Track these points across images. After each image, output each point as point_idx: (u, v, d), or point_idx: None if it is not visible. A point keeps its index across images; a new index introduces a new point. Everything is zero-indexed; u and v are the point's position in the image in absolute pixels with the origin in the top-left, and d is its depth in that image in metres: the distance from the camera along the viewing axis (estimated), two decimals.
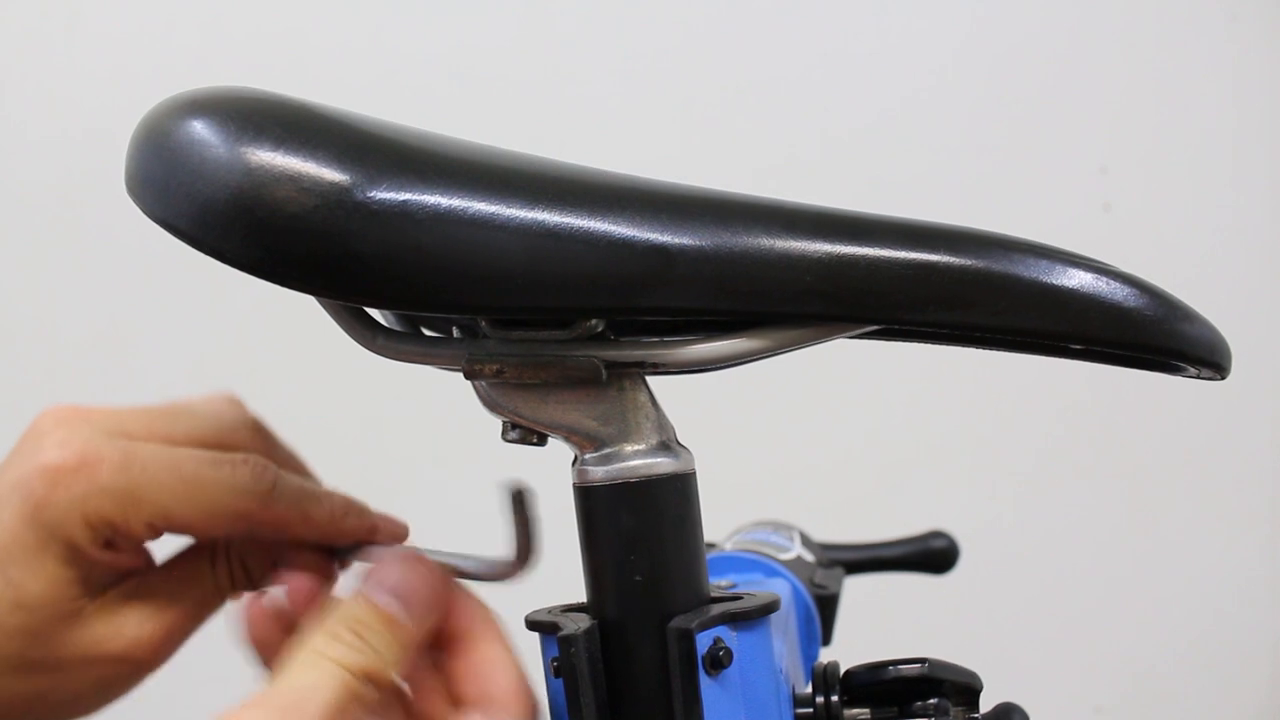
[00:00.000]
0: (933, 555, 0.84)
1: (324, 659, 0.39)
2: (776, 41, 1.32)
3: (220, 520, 0.43)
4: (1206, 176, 1.37)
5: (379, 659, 0.40)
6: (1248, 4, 1.37)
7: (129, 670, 0.44)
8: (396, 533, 0.48)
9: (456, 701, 0.43)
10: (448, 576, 0.44)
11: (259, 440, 0.47)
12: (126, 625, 0.44)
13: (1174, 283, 0.42)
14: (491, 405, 0.43)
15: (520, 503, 0.44)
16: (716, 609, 0.42)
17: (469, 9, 1.30)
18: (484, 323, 0.42)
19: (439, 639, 0.43)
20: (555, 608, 0.45)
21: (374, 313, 0.44)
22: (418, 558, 0.43)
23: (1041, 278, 0.39)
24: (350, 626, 0.40)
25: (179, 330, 1.20)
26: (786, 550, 0.72)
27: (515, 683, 0.43)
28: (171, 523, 0.43)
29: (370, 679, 0.39)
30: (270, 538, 0.46)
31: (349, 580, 0.47)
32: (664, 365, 0.42)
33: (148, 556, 0.46)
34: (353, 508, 0.47)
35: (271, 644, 0.43)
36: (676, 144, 1.28)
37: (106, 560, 0.43)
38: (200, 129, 0.37)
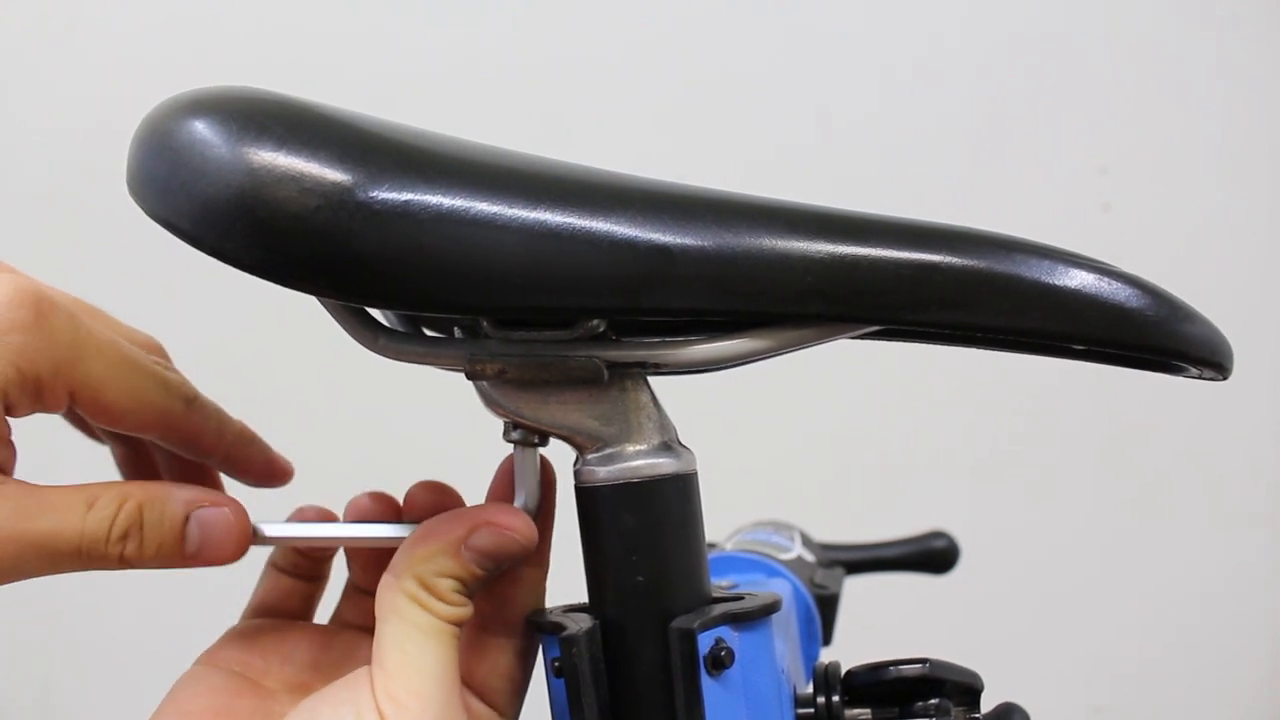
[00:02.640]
0: (933, 555, 0.84)
1: (437, 620, 0.40)
2: (775, 38, 1.32)
3: (143, 413, 0.43)
4: (1206, 176, 1.37)
5: (469, 612, 0.42)
6: (1248, 4, 1.37)
7: None
8: (287, 473, 0.50)
9: None
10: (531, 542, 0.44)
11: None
12: None
13: (1174, 283, 0.42)
14: (493, 405, 0.43)
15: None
16: (718, 609, 0.42)
17: (470, 9, 1.30)
18: (486, 323, 0.42)
19: None
20: (556, 608, 0.45)
21: (375, 313, 0.44)
22: (519, 519, 0.43)
23: (1043, 278, 0.39)
24: (453, 586, 0.41)
25: (179, 330, 1.20)
26: (787, 550, 0.72)
27: None
28: (96, 398, 0.42)
29: (462, 627, 0.41)
30: (182, 447, 0.46)
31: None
32: (666, 365, 0.42)
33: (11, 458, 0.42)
34: (254, 438, 0.48)
35: None
36: (677, 143, 1.28)
37: None
38: (202, 129, 0.37)
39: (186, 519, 0.42)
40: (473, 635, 0.45)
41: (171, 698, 0.43)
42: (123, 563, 0.41)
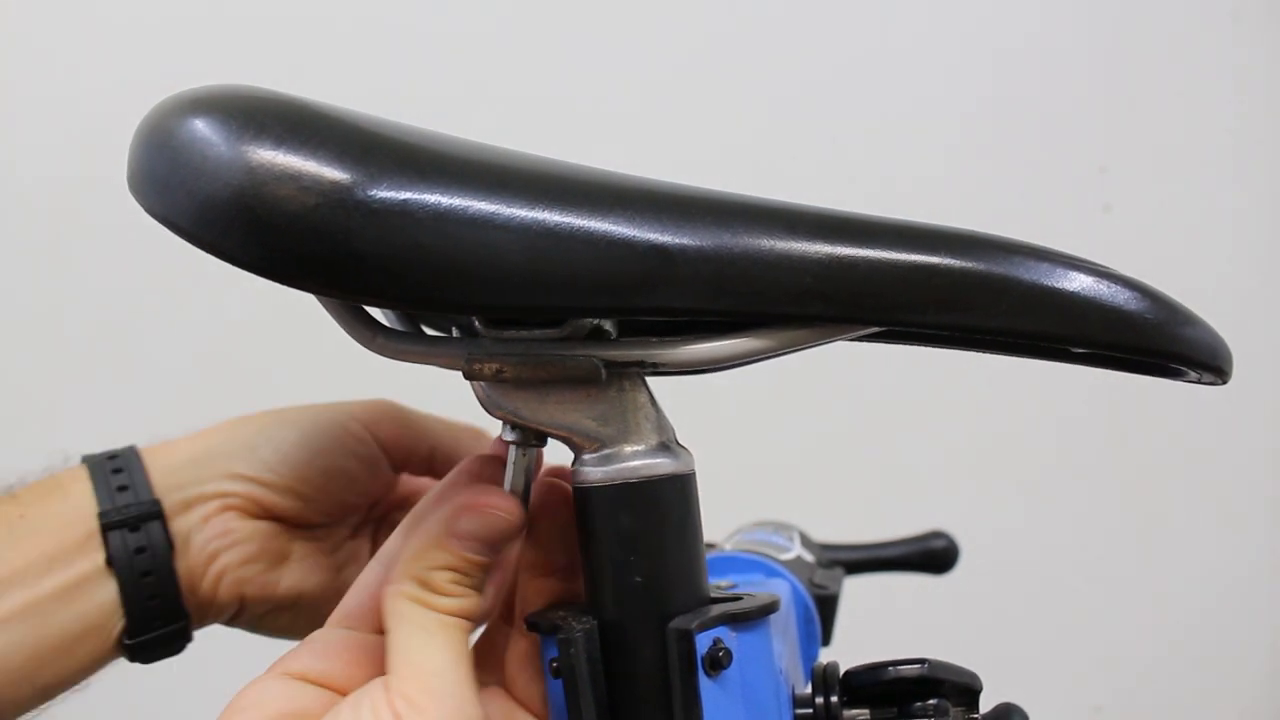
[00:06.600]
0: (932, 555, 0.84)
1: (438, 614, 0.41)
2: (776, 43, 1.32)
3: None
4: (1206, 177, 1.37)
5: (477, 601, 0.42)
6: (1250, 4, 1.37)
7: None
8: None
9: None
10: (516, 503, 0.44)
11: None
12: None
13: (1174, 285, 0.42)
14: (491, 406, 0.43)
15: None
16: (716, 609, 0.42)
17: (471, 8, 1.30)
18: (479, 322, 0.42)
19: None
20: (554, 608, 0.45)
21: (374, 311, 0.44)
22: (499, 496, 0.43)
23: (1042, 281, 0.39)
24: (449, 577, 0.42)
25: (180, 327, 1.20)
26: (786, 550, 0.72)
27: None
28: None
29: (472, 618, 0.42)
30: None
31: None
32: (664, 365, 0.42)
33: None
34: None
35: None
36: (677, 143, 1.28)
37: None
38: (202, 127, 0.37)
39: None
40: (509, 646, 0.45)
41: (238, 707, 0.41)
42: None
